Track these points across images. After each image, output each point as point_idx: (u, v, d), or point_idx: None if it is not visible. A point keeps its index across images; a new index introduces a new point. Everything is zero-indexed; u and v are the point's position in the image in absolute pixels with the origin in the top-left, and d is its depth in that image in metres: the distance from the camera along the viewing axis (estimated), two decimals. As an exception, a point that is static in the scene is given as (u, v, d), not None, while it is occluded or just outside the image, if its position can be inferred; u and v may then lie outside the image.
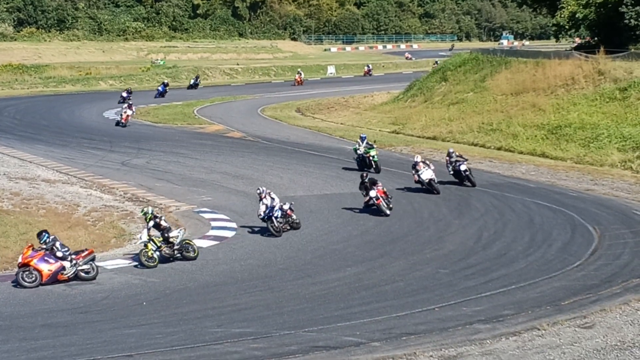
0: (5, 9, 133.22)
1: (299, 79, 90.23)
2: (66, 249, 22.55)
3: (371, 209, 30.17)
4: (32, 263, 21.69)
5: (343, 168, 38.22)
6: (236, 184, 35.69)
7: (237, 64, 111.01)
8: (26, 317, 19.05)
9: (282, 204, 27.40)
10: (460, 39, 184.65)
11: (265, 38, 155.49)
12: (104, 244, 26.09)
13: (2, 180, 34.92)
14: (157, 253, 23.59)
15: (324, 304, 19.75)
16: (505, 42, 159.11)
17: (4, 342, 17.06)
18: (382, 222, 29.02)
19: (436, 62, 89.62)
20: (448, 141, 48.02)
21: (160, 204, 31.49)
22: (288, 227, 27.47)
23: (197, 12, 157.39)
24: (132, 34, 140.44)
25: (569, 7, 61.51)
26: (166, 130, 54.54)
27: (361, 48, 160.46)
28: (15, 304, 20.32)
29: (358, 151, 38.36)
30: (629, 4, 55.09)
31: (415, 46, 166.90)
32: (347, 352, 16.09)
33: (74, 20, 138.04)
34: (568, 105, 46.70)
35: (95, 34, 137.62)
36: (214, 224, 28.72)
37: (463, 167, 34.74)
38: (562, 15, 64.30)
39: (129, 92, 71.22)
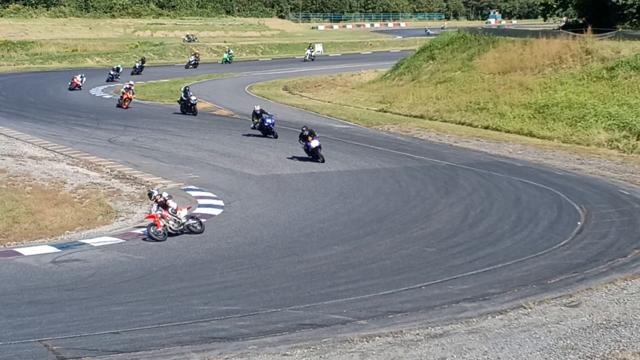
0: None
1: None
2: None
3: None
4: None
5: (330, 147, 38.15)
6: (223, 162, 35.62)
7: (225, 42, 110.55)
8: (12, 294, 19.00)
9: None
10: (447, 18, 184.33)
11: (253, 16, 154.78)
12: (91, 222, 26.02)
13: (-12, 157, 34.80)
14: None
15: (310, 282, 19.77)
16: (492, 21, 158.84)
17: (-10, 319, 17.04)
18: (369, 200, 29.05)
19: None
20: (435, 120, 48.11)
21: (147, 182, 31.42)
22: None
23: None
24: (119, 11, 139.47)
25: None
26: (153, 107, 54.35)
27: (349, 26, 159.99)
28: (1, 280, 20.26)
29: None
30: (616, -17, 55.09)
31: (402, 24, 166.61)
32: (334, 330, 16.11)
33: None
34: (555, 85, 46.77)
35: (82, 10, 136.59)
36: (200, 201, 28.68)
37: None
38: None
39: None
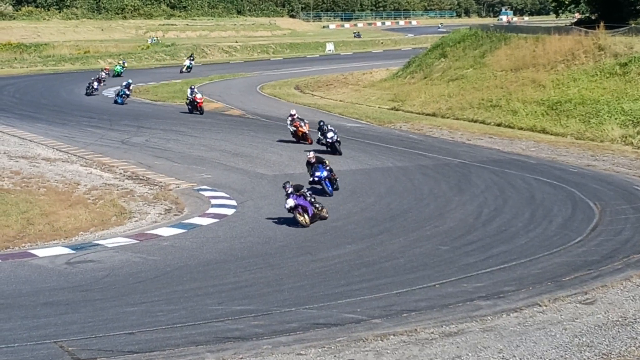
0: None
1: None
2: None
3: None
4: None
5: (342, 146, 38.09)
6: (235, 162, 35.65)
7: (236, 42, 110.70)
8: (27, 296, 19.04)
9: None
10: (459, 15, 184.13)
11: (264, 15, 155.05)
12: (105, 222, 26.07)
13: (3, 159, 34.93)
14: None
15: (324, 281, 19.75)
16: (504, 18, 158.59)
17: (6, 320, 17.07)
18: (381, 198, 29.01)
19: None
20: (447, 117, 48.03)
21: (160, 182, 31.48)
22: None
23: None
24: (131, 12, 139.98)
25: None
26: (165, 108, 54.47)
27: (360, 25, 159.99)
28: (16, 282, 20.31)
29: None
30: (628, -21, 54.91)
31: (414, 22, 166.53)
32: (348, 329, 16.09)
33: None
34: (568, 81, 46.59)
35: (94, 12, 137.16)
36: (213, 201, 28.69)
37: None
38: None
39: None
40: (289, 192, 24.88)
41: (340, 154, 35.96)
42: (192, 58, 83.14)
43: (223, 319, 16.80)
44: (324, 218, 25.59)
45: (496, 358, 14.30)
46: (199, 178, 32.46)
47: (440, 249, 22.57)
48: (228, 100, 57.10)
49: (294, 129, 38.99)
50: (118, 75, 73.37)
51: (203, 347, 15.21)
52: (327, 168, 29.06)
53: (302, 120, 39.09)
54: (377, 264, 21.30)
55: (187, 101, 50.80)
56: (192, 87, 52.31)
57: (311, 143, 38.06)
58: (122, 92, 56.39)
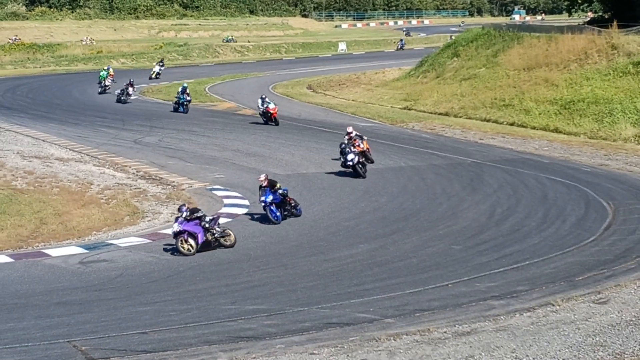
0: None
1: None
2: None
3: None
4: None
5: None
6: (248, 162, 35.68)
7: (248, 42, 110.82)
8: (41, 295, 19.13)
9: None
10: (471, 14, 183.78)
11: (276, 15, 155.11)
12: (117, 222, 26.15)
13: (16, 159, 35.06)
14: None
15: (337, 281, 19.76)
16: (517, 17, 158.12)
17: (20, 319, 17.15)
18: (394, 198, 29.00)
19: (451, 37, 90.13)
20: (460, 117, 47.95)
21: (173, 182, 31.54)
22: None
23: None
24: (143, 12, 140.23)
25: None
26: (178, 108, 54.53)
27: (372, 24, 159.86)
28: (30, 281, 20.40)
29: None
30: (642, -23, 54.66)
31: (426, 22, 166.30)
32: (361, 328, 16.10)
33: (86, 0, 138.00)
34: (581, 80, 46.43)
35: (106, 12, 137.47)
36: (226, 201, 28.74)
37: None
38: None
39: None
40: (177, 216, 22.93)
41: (363, 177, 31.88)
42: (161, 64, 76.96)
43: (236, 319, 16.83)
44: (226, 246, 23.07)
45: (509, 358, 14.27)
46: (212, 178, 32.51)
47: (453, 249, 22.54)
48: (240, 100, 57.16)
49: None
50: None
51: (216, 346, 15.24)
52: (279, 192, 25.78)
53: (360, 137, 33.21)
54: (389, 263, 21.30)
55: (260, 112, 45.44)
56: (263, 96, 46.48)
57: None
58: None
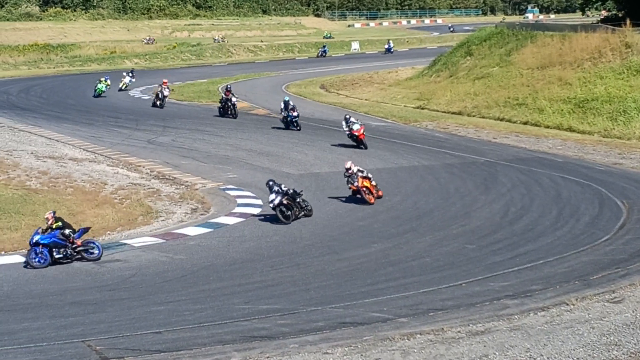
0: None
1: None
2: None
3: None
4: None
5: (368, 145, 38.04)
6: (261, 161, 35.70)
7: (261, 41, 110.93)
8: (56, 295, 19.19)
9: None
10: (484, 13, 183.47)
11: (289, 14, 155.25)
12: (131, 222, 26.21)
13: (30, 159, 35.19)
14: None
15: (350, 280, 19.75)
16: (530, 16, 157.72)
17: (35, 319, 17.21)
18: (408, 197, 28.96)
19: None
20: (473, 116, 47.86)
21: (187, 182, 31.59)
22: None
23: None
24: (157, 12, 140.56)
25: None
26: (191, 107, 54.65)
27: (385, 24, 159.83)
28: (44, 281, 20.48)
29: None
30: (656, -25, 54.42)
31: (439, 21, 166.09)
32: (375, 328, 16.07)
33: (99, 0, 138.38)
34: (595, 79, 46.27)
35: (119, 12, 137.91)
36: (239, 201, 28.76)
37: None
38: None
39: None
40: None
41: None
42: (132, 75, 68.55)
43: (250, 318, 16.84)
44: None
45: (523, 357, 14.23)
46: (225, 177, 32.54)
47: (466, 248, 22.51)
48: (254, 99, 57.18)
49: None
50: (100, 95, 60.52)
51: (230, 346, 15.24)
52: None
53: (363, 172, 28.93)
54: (403, 263, 21.28)
55: (348, 134, 38.59)
56: (347, 116, 39.62)
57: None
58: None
